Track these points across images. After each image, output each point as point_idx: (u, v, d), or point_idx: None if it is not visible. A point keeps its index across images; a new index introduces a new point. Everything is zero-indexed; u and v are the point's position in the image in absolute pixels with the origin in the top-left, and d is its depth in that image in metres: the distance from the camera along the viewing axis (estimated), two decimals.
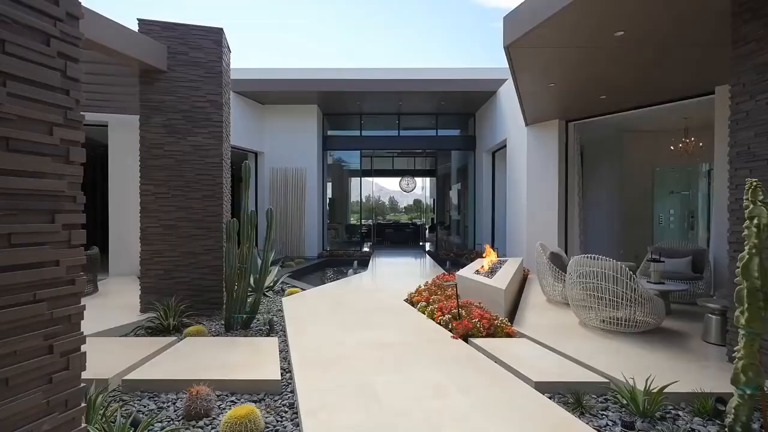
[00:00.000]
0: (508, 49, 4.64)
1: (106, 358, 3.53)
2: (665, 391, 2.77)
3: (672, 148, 8.69)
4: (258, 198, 11.80)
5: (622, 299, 4.25)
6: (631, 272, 4.16)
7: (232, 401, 2.96)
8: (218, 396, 3.01)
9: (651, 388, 2.76)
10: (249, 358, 3.61)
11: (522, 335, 4.34)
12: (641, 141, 9.92)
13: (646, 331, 4.31)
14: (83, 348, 1.47)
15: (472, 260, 9.83)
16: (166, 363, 3.51)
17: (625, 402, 2.81)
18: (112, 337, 4.34)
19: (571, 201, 8.32)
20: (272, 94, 11.07)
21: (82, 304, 1.46)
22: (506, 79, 10.07)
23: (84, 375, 3.12)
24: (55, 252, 1.30)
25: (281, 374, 3.39)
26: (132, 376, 3.20)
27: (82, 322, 1.48)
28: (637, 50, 4.64)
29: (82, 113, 1.42)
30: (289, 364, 3.65)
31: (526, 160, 8.64)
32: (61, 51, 1.33)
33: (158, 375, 3.23)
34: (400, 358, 3.66)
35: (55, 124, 1.30)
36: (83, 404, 1.45)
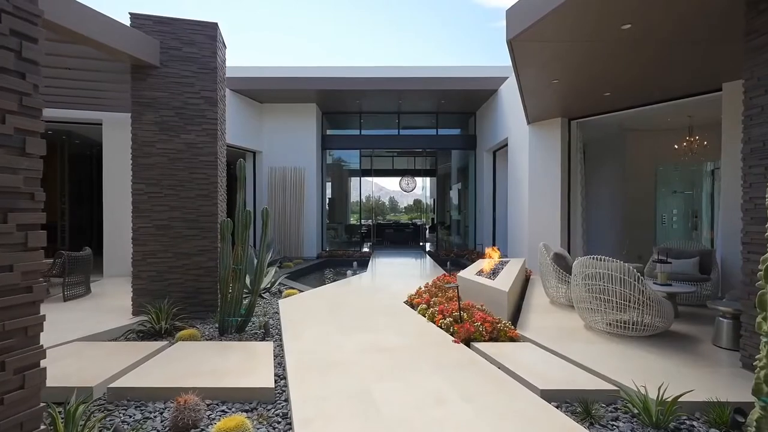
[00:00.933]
0: (511, 44, 4.50)
1: (92, 365, 3.39)
2: (679, 400, 2.62)
3: (676, 146, 8.55)
4: (256, 198, 11.66)
5: (629, 302, 4.10)
6: (638, 274, 4.01)
7: (222, 411, 2.81)
8: (208, 405, 2.86)
9: (665, 397, 2.60)
10: (242, 364, 3.47)
11: (526, 339, 4.19)
12: (644, 140, 9.77)
13: (654, 334, 4.16)
14: (43, 363, 1.31)
15: (472, 261, 9.68)
16: (155, 369, 3.36)
17: (636, 411, 2.66)
18: (101, 341, 4.18)
19: (573, 200, 8.17)
20: (270, 92, 10.93)
21: (41, 314, 1.31)
22: (507, 78, 9.93)
23: (67, 383, 3.00)
24: (7, 255, 1.15)
25: (275, 381, 3.24)
26: (118, 383, 3.05)
27: (42, 334, 1.32)
28: (643, 46, 4.49)
29: (42, 100, 1.27)
30: (284, 369, 3.49)
31: (528, 159, 8.49)
32: (14, 29, 1.18)
33: (146, 382, 3.08)
34: (400, 363, 3.51)
35: (8, 111, 1.15)
36: (42, 426, 1.29)
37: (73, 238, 10.74)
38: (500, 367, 3.45)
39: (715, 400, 2.67)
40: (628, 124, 8.95)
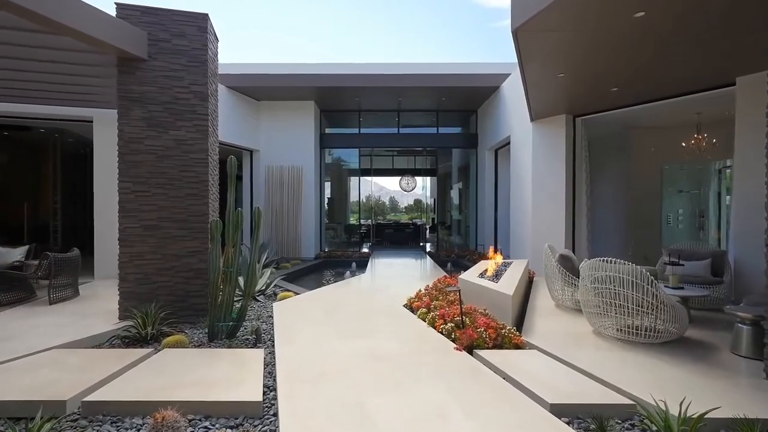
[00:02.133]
0: (516, 35, 4.27)
1: (69, 375, 3.16)
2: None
3: (683, 144, 8.31)
4: (253, 197, 11.44)
5: (642, 306, 3.88)
6: (652, 277, 3.78)
7: (205, 427, 2.59)
8: (190, 421, 2.64)
9: (689, 414, 2.37)
10: (230, 374, 3.24)
11: (532, 346, 3.96)
12: (650, 138, 9.54)
13: (667, 341, 3.93)
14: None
15: (474, 261, 9.45)
16: (136, 380, 3.13)
17: (656, 429, 2.44)
18: (83, 348, 3.95)
19: (578, 200, 7.94)
20: (268, 89, 10.70)
21: None
22: (509, 74, 9.70)
23: (38, 396, 2.77)
24: None
25: (264, 393, 3.03)
26: (94, 396, 2.82)
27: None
28: (654, 37, 4.26)
29: None
30: (274, 379, 3.27)
31: (531, 157, 8.26)
32: None
33: (125, 395, 2.85)
34: (399, 373, 3.29)
35: None
36: None
37: (67, 238, 10.52)
38: (506, 377, 3.22)
39: (743, 417, 2.44)
40: (633, 121, 8.72)
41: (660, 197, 10.02)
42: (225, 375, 3.22)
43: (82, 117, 7.65)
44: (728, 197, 9.84)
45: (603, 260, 4.10)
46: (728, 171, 9.76)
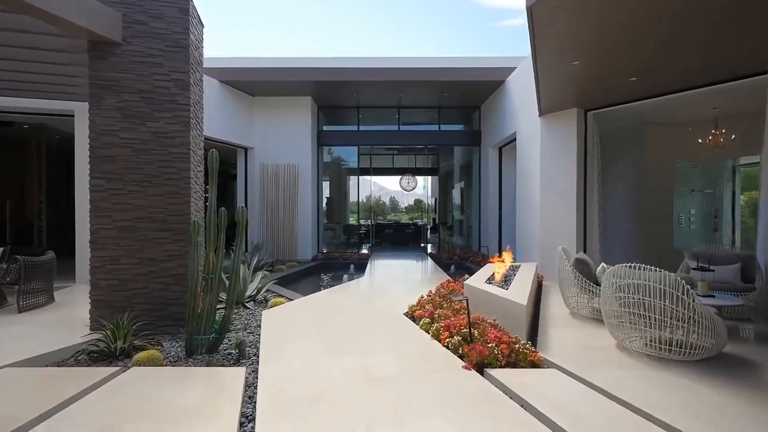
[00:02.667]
0: (531, 11, 3.81)
1: (11, 403, 2.70)
2: None
3: (699, 141, 7.84)
4: (248, 196, 11.00)
5: (673, 318, 3.42)
6: (687, 286, 3.32)
7: None
8: None
9: None
10: (203, 400, 2.78)
11: (550, 363, 3.50)
12: (663, 134, 9.06)
13: (703, 358, 3.47)
14: None
15: (477, 264, 9.00)
16: (92, 408, 2.67)
17: None
18: (41, 366, 3.49)
19: (590, 199, 7.48)
20: (262, 84, 10.25)
21: None
22: (514, 68, 9.23)
23: None
24: None
25: (242, 423, 2.58)
26: (37, 430, 2.37)
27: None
28: (683, 16, 3.81)
29: None
30: (254, 407, 2.81)
31: (540, 154, 7.80)
32: None
33: (72, 428, 2.40)
34: (400, 398, 2.83)
35: None
36: None
37: (52, 239, 10.06)
38: (523, 404, 2.77)
39: None
40: (647, 116, 8.25)
41: (672, 196, 9.55)
42: (197, 401, 2.76)
43: (63, 111, 7.20)
44: (741, 196, 9.40)
45: (628, 266, 3.64)
46: (743, 169, 9.32)
